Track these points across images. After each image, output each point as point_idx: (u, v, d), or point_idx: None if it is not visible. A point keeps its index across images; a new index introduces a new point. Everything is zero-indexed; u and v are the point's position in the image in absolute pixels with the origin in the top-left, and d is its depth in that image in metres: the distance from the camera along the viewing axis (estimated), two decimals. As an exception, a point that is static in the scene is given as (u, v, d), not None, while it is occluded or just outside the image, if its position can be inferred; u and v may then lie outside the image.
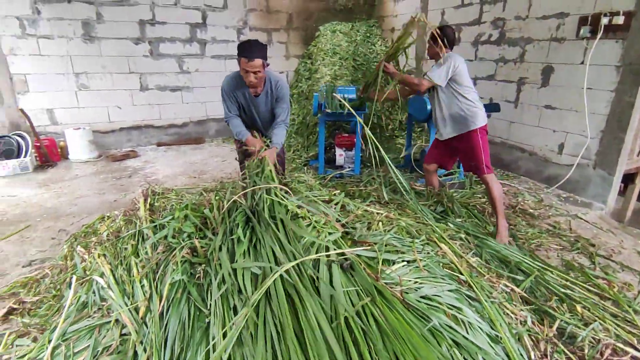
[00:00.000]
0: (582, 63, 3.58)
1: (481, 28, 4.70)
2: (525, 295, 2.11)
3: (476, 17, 4.75)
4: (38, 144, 4.81)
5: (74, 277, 2.03)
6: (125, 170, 4.77)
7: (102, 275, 1.99)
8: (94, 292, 1.92)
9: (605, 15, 3.28)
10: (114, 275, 1.96)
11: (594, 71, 3.48)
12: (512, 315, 1.88)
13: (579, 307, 2.04)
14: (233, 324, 1.46)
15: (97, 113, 5.46)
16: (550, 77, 3.95)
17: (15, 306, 2.12)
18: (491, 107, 3.93)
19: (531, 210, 3.46)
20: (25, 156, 4.62)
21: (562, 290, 2.18)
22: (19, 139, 4.68)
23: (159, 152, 5.58)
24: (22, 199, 3.83)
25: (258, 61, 2.31)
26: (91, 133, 5.20)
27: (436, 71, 2.77)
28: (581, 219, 3.38)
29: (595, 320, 1.95)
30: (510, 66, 4.38)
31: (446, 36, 2.85)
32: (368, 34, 6.69)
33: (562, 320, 1.95)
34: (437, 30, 2.80)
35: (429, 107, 3.88)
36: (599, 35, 3.35)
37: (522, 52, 4.22)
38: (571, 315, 2.01)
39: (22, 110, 4.81)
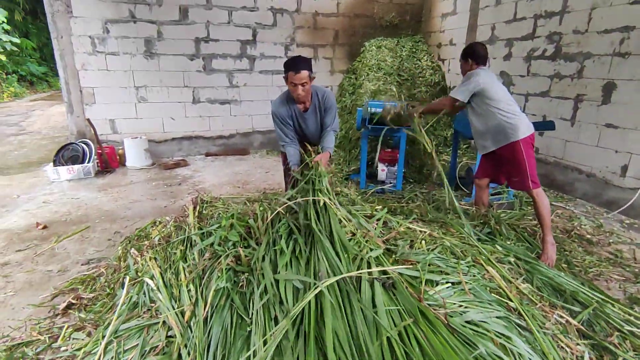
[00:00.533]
0: (650, 79, 3.32)
1: (535, 43, 4.52)
2: (582, 328, 1.94)
3: (529, 31, 4.57)
4: (100, 151, 5.22)
5: (127, 278, 2.16)
6: (176, 178, 5.04)
7: (152, 277, 2.10)
8: (144, 293, 2.03)
9: (677, 28, 3.04)
10: (163, 279, 2.06)
11: (664, 88, 3.22)
12: (568, 349, 1.74)
13: (645, 346, 1.85)
14: (273, 333, 1.47)
15: (153, 124, 5.84)
16: (612, 94, 3.69)
17: (73, 301, 2.28)
18: (544, 125, 3.74)
19: (589, 236, 3.21)
20: (88, 162, 5.03)
21: (625, 325, 1.99)
22: (84, 146, 5.10)
23: (206, 162, 5.84)
24: (84, 201, 4.15)
25: (305, 72, 2.41)
26: (147, 142, 5.56)
27: (459, 88, 2.83)
28: (648, 248, 3.09)
29: (665, 363, 1.76)
30: (567, 82, 4.16)
31: (476, 53, 2.92)
32: (414, 50, 6.66)
33: (624, 359, 1.77)
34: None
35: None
36: (669, 50, 3.11)
37: (580, 68, 4.00)
38: (635, 354, 1.82)
39: (88, 120, 5.25)
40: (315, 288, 1.56)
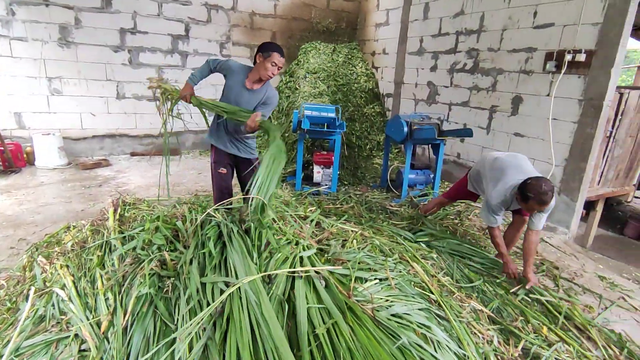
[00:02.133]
0: (548, 95, 3.80)
1: (457, 57, 4.92)
2: (492, 315, 2.15)
3: (452, 46, 4.97)
4: (2, 149, 4.60)
5: (32, 289, 1.92)
6: (96, 179, 4.62)
7: (63, 287, 1.89)
8: (53, 305, 1.82)
9: (568, 52, 3.51)
10: (76, 288, 1.87)
11: (559, 103, 3.70)
12: (480, 335, 1.92)
13: (544, 329, 2.10)
14: (180, 335, 1.41)
15: (69, 119, 5.29)
16: (519, 107, 4.16)
17: (-36, 319, 1.97)
18: (464, 132, 4.08)
19: (500, 233, 3.56)
20: (-13, 160, 4.40)
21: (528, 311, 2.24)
22: (-18, 142, 4.46)
23: (132, 162, 5.44)
24: (-19, 205, 3.62)
25: (284, 60, 2.56)
26: (61, 139, 5.02)
27: (543, 220, 2.55)
28: (546, 242, 3.51)
29: (559, 341, 2.02)
30: (483, 94, 4.59)
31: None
32: (349, 56, 6.87)
33: (526, 341, 2.00)
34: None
35: (405, 129, 4.00)
36: (563, 70, 3.58)
37: (494, 82, 4.44)
38: (536, 336, 2.06)
39: (-13, 112, 4.61)
40: (234, 286, 1.52)
